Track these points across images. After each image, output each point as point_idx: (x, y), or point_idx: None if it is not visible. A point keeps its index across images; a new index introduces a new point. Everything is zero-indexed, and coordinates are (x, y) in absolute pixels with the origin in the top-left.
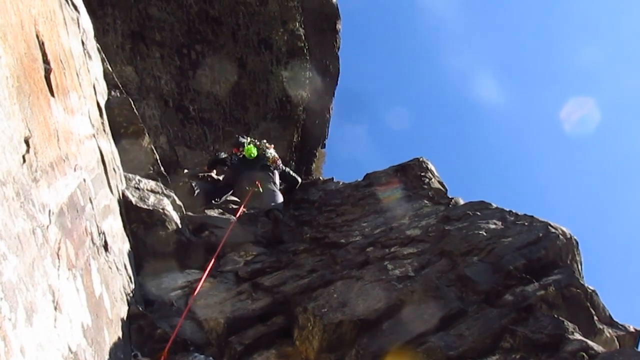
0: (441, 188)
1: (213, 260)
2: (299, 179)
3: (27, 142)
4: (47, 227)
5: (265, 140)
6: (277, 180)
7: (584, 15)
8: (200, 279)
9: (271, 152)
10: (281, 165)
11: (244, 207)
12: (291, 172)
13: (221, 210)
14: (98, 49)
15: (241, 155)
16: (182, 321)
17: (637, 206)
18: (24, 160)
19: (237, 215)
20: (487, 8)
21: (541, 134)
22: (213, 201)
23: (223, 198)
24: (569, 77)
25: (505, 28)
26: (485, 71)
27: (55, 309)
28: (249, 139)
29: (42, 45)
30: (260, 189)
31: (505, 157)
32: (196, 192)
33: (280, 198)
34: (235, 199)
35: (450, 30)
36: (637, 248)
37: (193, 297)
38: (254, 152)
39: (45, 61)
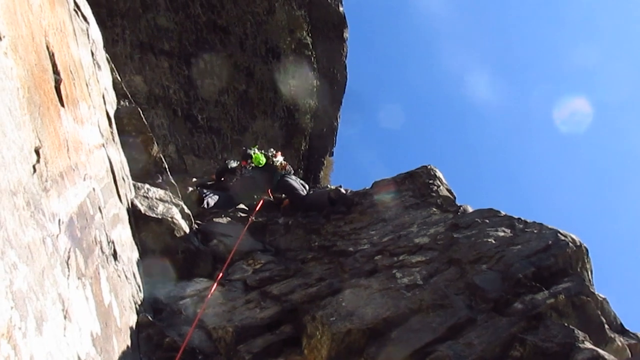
0: (449, 196)
1: (224, 268)
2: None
3: (37, 152)
4: (57, 236)
5: (272, 149)
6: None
7: (579, 14)
8: (210, 287)
9: (279, 159)
10: (291, 169)
11: (253, 216)
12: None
13: (229, 219)
14: (107, 59)
15: (251, 167)
16: (192, 331)
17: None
18: (35, 170)
19: (248, 224)
20: (484, 8)
21: (537, 132)
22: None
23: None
24: (568, 76)
25: (501, 28)
26: (485, 70)
27: (65, 317)
28: (255, 149)
29: (52, 56)
30: (271, 198)
31: (501, 154)
32: (205, 201)
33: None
34: (244, 207)
35: (444, 29)
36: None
37: (204, 308)
38: (263, 159)
39: (56, 72)
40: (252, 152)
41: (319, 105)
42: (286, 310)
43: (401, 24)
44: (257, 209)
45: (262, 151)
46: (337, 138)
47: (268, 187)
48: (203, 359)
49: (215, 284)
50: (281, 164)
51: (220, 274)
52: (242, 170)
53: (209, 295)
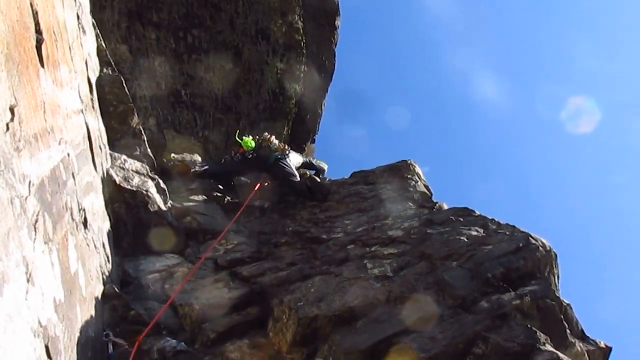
0: (426, 192)
1: (209, 250)
2: (324, 166)
3: (12, 110)
4: (26, 198)
5: (266, 133)
6: (293, 163)
7: (585, 14)
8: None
9: (274, 142)
10: (289, 151)
11: (247, 203)
12: (313, 161)
13: (205, 197)
14: (93, 24)
15: (247, 154)
16: (164, 309)
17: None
18: (8, 129)
19: (241, 209)
20: (490, 6)
21: (543, 133)
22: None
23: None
24: (569, 76)
25: (505, 26)
26: (485, 70)
27: (28, 281)
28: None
29: (35, 15)
30: (266, 183)
31: (503, 155)
32: (193, 169)
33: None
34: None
35: (450, 29)
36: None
37: (179, 289)
38: (252, 144)
39: (38, 31)
40: (242, 138)
41: (305, 91)
42: (255, 292)
43: (402, 19)
44: (252, 195)
45: (257, 137)
46: (329, 128)
47: (262, 171)
48: (167, 335)
49: (199, 263)
50: (279, 146)
51: (207, 253)
52: (235, 155)
53: (187, 278)
